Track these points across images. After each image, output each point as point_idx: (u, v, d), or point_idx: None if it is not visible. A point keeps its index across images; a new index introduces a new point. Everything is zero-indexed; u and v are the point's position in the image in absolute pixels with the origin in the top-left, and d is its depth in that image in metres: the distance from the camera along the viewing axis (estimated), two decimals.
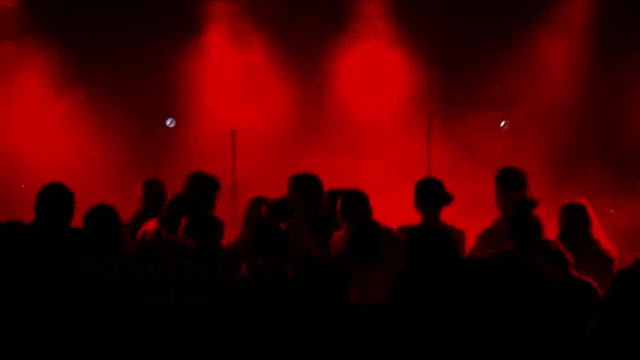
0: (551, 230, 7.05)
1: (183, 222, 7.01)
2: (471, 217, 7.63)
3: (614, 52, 10.62)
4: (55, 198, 6.95)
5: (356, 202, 7.51)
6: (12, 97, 10.74)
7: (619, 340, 4.99)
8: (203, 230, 6.98)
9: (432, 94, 10.79)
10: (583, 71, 10.77)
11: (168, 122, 10.93)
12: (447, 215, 7.53)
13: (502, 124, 10.80)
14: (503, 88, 10.68)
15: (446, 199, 7.60)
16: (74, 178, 7.38)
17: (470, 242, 7.41)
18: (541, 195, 7.32)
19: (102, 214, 7.01)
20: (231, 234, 7.34)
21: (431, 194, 7.59)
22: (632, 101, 10.72)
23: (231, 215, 8.29)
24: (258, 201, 7.76)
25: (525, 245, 6.47)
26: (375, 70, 11.03)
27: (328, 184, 7.87)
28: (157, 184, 8.34)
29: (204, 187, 7.94)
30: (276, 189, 7.81)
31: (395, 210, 7.78)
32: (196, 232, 6.95)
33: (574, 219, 7.33)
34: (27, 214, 7.11)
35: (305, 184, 7.77)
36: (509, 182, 7.63)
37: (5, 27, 10.72)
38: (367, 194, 7.53)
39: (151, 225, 7.37)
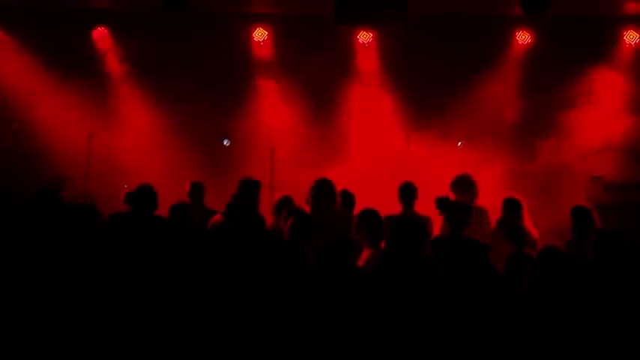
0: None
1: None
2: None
3: (541, 85, 12.42)
4: (144, 195, 8.13)
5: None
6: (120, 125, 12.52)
7: (541, 292, 6.35)
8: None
9: (410, 120, 12.48)
10: (515, 100, 12.55)
11: (224, 142, 12.61)
12: (420, 206, 8.91)
13: (459, 143, 12.27)
14: (459, 115, 12.27)
15: (416, 195, 9.01)
16: (158, 181, 8.44)
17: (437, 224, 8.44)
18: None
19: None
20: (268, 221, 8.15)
21: (408, 193, 9.01)
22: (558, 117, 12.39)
23: (270, 208, 9.17)
24: (285, 199, 8.74)
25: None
26: (370, 104, 12.63)
27: (341, 185, 8.84)
28: (200, 186, 9.48)
29: (252, 188, 9.00)
30: (302, 188, 8.75)
31: (385, 201, 8.84)
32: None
33: (512, 210, 8.66)
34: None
35: (323, 186, 8.60)
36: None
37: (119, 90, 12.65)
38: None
39: (218, 217, 8.41)
